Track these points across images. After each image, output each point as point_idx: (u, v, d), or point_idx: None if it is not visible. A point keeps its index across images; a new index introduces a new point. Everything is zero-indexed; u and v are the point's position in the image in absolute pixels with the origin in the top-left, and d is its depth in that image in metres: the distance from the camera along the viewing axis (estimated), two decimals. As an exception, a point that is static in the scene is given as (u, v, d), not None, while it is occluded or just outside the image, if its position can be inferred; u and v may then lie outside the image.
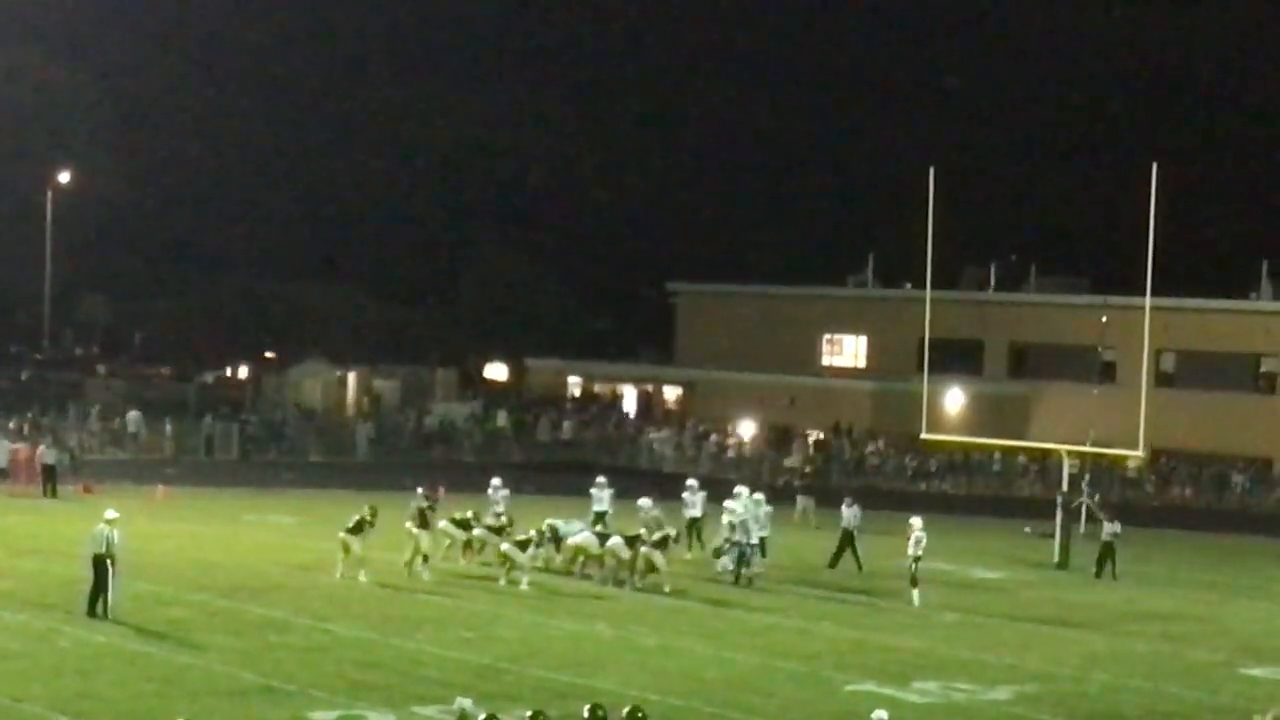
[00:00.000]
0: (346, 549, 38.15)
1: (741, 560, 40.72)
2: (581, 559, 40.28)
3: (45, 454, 54.57)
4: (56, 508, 50.34)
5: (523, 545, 38.89)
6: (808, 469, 67.20)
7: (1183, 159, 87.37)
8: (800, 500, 52.98)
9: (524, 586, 37.83)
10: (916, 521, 39.54)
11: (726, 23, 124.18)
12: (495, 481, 44.68)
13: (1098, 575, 45.56)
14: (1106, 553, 45.89)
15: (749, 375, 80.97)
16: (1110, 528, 46.47)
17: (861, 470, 71.73)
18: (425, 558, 39.01)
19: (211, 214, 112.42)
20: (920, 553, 39.13)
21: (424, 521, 39.42)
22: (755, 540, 41.24)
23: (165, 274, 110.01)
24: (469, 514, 41.84)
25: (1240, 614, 40.75)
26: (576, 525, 41.66)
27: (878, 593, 39.97)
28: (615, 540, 39.59)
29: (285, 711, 25.92)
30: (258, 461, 68.14)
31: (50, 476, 53.48)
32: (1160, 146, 68.28)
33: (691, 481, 46.98)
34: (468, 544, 41.37)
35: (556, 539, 40.47)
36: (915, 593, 38.87)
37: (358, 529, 38.19)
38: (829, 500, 50.19)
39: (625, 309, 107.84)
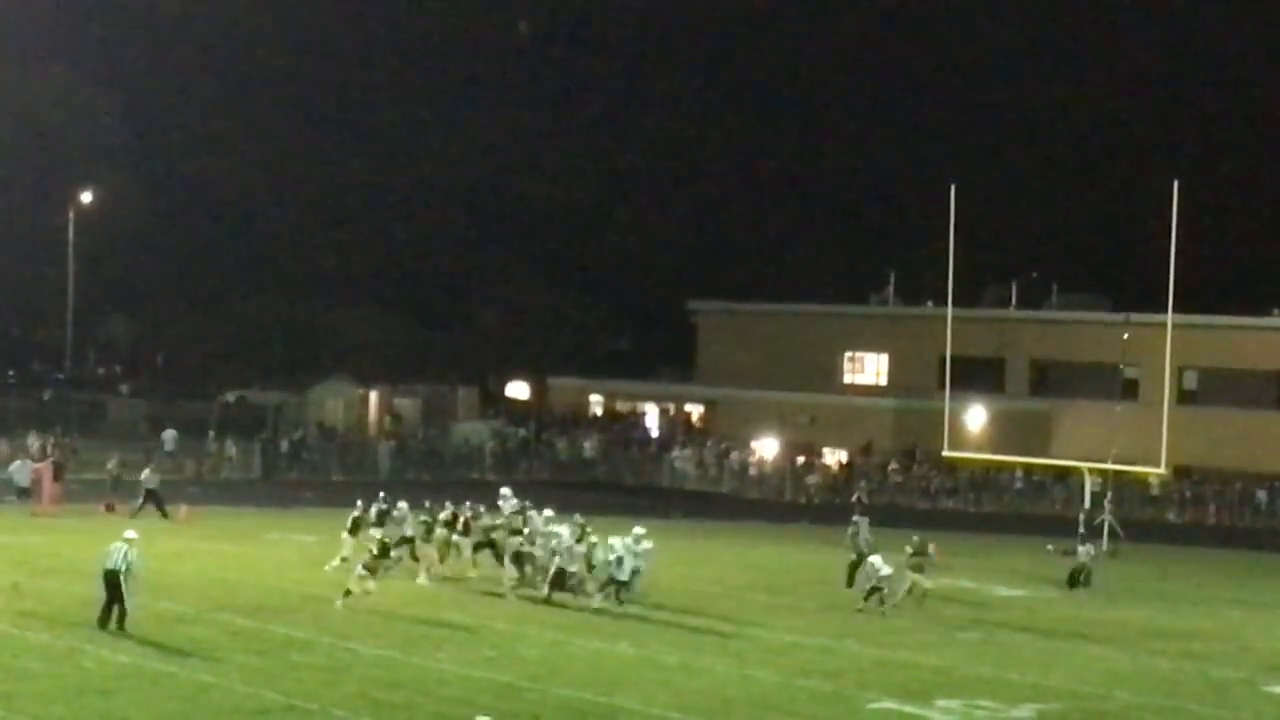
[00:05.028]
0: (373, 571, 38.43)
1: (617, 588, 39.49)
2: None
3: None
4: (79, 527, 50.38)
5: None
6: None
7: (1204, 176, 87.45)
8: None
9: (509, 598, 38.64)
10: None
11: (746, 42, 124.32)
12: (504, 491, 43.90)
13: (1071, 587, 45.30)
14: (1080, 570, 45.78)
15: (770, 393, 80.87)
16: (1086, 549, 46.49)
17: (883, 488, 71.59)
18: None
19: (233, 234, 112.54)
20: (928, 584, 39.99)
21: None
22: (626, 576, 39.19)
23: (188, 294, 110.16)
24: (450, 513, 42.03)
25: (1263, 632, 40.61)
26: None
27: (900, 611, 39.88)
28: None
29: (307, 730, 26.01)
30: (280, 481, 68.26)
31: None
32: (1181, 164, 68.54)
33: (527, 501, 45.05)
34: (449, 548, 41.74)
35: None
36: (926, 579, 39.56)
37: (383, 554, 38.29)
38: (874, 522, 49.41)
39: (647, 327, 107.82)
